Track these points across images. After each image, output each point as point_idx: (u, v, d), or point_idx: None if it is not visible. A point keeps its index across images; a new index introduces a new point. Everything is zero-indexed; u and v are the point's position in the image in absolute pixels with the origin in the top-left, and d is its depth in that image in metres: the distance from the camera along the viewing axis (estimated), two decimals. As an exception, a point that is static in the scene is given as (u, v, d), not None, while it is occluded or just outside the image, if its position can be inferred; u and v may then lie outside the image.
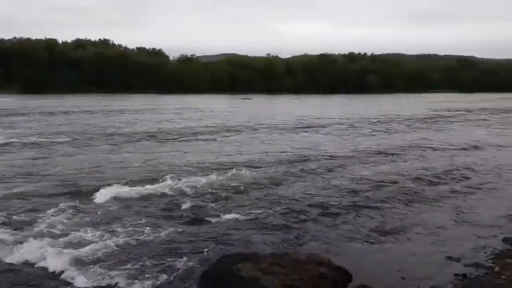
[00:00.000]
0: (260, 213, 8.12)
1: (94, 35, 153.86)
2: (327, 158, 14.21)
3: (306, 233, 7.17)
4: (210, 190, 9.69)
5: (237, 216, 7.94)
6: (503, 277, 5.50)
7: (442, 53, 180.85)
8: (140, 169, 12.15)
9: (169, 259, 5.96)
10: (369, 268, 5.87)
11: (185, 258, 5.98)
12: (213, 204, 8.68)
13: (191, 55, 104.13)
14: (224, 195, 9.37)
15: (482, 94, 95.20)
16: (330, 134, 21.30)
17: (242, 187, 10.07)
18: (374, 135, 21.13)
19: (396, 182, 10.85)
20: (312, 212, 8.29)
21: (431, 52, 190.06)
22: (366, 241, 6.91)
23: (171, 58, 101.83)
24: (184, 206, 8.46)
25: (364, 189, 10.14)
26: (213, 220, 7.73)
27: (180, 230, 7.18)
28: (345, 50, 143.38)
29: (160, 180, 10.34)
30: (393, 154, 15.22)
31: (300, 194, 9.58)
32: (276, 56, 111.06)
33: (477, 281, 5.45)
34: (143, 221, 7.58)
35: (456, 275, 5.63)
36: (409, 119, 30.41)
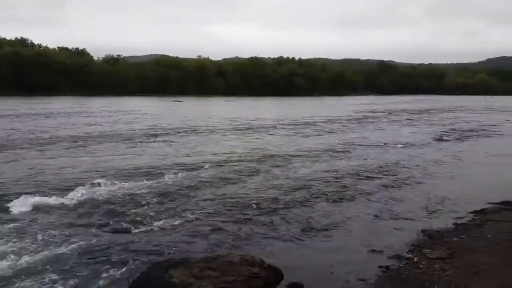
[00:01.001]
0: (195, 217, 7.99)
1: (6, 34, 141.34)
2: (266, 158, 14.43)
3: (241, 234, 7.19)
4: (143, 195, 9.35)
5: (170, 221, 7.72)
6: (420, 266, 5.92)
7: (364, 58, 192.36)
8: (67, 175, 11.36)
9: (94, 272, 5.61)
10: (300, 265, 6.02)
11: (113, 269, 5.68)
12: (146, 210, 8.36)
13: (118, 55, 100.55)
14: (157, 199, 9.09)
15: (399, 96, 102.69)
16: (269, 135, 21.74)
17: (176, 190, 9.85)
18: (311, 135, 21.92)
19: (329, 180, 11.30)
20: (248, 212, 8.35)
21: (354, 57, 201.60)
22: (298, 239, 7.08)
23: (96, 58, 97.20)
24: (114, 213, 8.08)
25: (299, 187, 10.43)
26: (144, 227, 7.44)
27: (108, 239, 6.81)
28: (275, 54, 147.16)
29: (89, 187, 9.78)
30: (330, 153, 15.95)
31: (236, 195, 9.60)
32: (208, 58, 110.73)
33: (398, 271, 5.81)
34: (66, 232, 7.05)
35: (380, 267, 5.97)
36: (339, 120, 31.97)
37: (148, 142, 18.21)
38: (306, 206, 8.94)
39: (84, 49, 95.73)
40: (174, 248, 6.53)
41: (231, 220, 7.91)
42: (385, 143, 18.96)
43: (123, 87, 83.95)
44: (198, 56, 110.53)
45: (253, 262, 5.16)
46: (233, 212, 8.34)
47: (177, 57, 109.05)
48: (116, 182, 10.40)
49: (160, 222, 7.64)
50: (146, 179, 10.79)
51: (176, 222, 7.68)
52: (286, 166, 13.24)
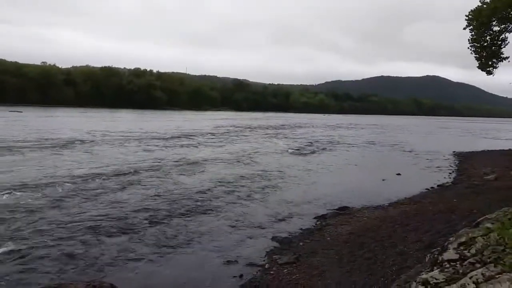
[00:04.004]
0: (36, 242, 7.04)
1: None
2: (126, 174, 13.66)
3: (89, 258, 6.55)
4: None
5: (6, 248, 6.68)
6: (271, 272, 6.26)
7: (221, 75, 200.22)
8: None
9: None
10: (154, 285, 5.77)
11: None
12: None
13: None
14: None
15: (254, 112, 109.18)
16: (136, 149, 20.54)
17: (14, 212, 8.59)
18: (181, 149, 21.68)
19: (192, 193, 11.27)
20: (92, 235, 7.64)
21: (211, 74, 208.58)
22: (153, 258, 6.78)
23: None
24: None
25: (159, 203, 10.07)
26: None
27: None
28: (129, 65, 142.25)
29: None
30: (197, 166, 16.21)
31: (79, 217, 8.71)
32: (54, 65, 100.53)
33: (251, 279, 6.04)
34: None
35: (235, 276, 6.12)
36: (207, 134, 32.70)
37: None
38: (163, 222, 8.65)
39: None
40: (9, 279, 5.66)
41: (79, 242, 7.17)
42: (254, 154, 20.25)
43: None
44: (43, 62, 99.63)
45: (101, 287, 4.75)
46: (79, 235, 7.57)
47: (16, 62, 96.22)
48: None
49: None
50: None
51: (12, 249, 6.66)
52: (148, 181, 12.72)
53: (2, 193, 10.13)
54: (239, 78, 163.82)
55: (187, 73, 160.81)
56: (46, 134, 25.61)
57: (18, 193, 10.24)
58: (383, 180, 15.13)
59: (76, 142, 22.49)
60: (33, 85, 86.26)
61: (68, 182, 11.84)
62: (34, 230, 7.69)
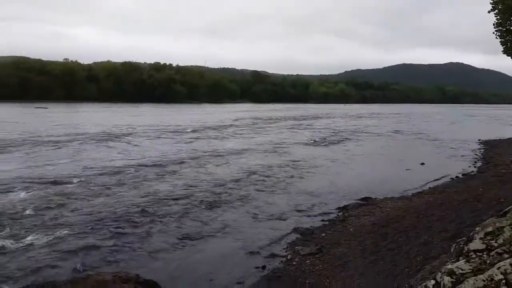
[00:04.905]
0: (64, 233, 7.27)
1: None
2: (145, 167, 13.84)
3: (113, 251, 6.71)
4: (12, 210, 8.33)
5: (37, 239, 6.92)
6: (294, 263, 6.28)
7: (239, 67, 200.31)
8: None
9: None
10: (179, 276, 5.87)
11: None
12: (12, 227, 7.40)
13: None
14: (27, 215, 8.15)
15: (273, 104, 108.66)
16: (155, 142, 20.88)
17: (43, 206, 8.84)
18: (203, 140, 21.83)
19: (212, 186, 11.36)
20: (119, 226, 7.84)
21: (230, 66, 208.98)
22: (176, 249, 6.90)
23: None
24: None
25: (174, 196, 10.17)
26: (8, 247, 6.56)
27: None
28: (149, 60, 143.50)
29: None
30: (219, 158, 16.38)
31: (108, 208, 8.95)
32: (76, 61, 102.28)
33: (274, 270, 6.07)
34: None
35: (257, 267, 6.16)
36: (231, 126, 33.05)
37: (12, 153, 16.04)
38: (191, 213, 8.80)
39: None
40: (40, 270, 5.87)
41: (104, 234, 7.36)
42: (280, 145, 20.64)
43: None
44: (65, 59, 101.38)
45: (127, 278, 4.86)
46: (108, 226, 7.77)
47: (40, 59, 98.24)
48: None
49: (27, 241, 6.84)
50: (12, 193, 9.66)
51: (44, 240, 6.91)
52: (179, 172, 13.04)
53: (40, 185, 10.50)
54: (257, 69, 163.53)
55: (206, 66, 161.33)
56: (76, 129, 26.21)
57: (56, 185, 10.60)
58: (407, 169, 14.90)
59: (106, 136, 23.02)
60: (57, 82, 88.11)
61: (102, 174, 12.28)
62: (65, 221, 7.97)
